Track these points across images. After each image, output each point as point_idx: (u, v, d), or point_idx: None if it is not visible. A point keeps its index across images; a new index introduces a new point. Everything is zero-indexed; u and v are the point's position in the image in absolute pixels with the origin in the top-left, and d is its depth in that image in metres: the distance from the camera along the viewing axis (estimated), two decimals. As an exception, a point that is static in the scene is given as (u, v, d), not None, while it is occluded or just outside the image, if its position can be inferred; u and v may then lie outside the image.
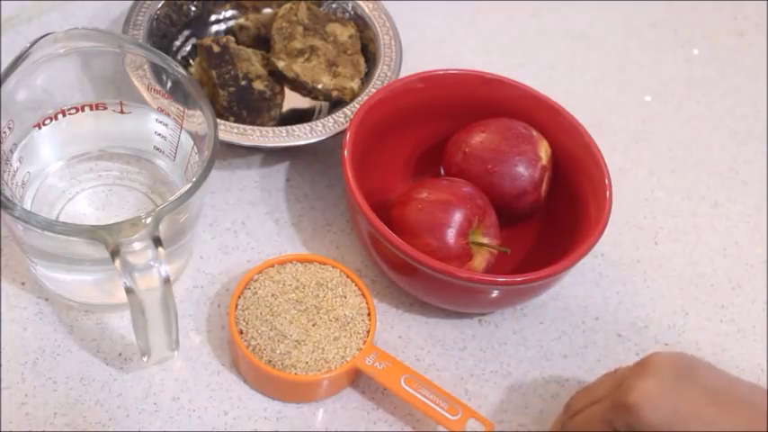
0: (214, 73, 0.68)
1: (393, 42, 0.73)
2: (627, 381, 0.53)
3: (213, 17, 0.76)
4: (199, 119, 0.59)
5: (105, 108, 0.63)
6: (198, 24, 0.75)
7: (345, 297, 0.61)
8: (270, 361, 0.58)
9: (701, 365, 0.54)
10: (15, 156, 0.61)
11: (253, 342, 0.59)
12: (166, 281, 0.52)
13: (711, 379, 0.53)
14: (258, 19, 0.75)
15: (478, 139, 0.66)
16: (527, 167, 0.65)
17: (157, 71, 0.62)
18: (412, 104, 0.69)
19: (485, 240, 0.63)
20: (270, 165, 0.72)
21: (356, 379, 0.61)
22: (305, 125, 0.67)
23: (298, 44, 0.70)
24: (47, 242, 0.56)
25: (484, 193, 0.64)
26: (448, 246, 0.61)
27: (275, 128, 0.67)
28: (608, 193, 0.64)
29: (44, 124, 0.62)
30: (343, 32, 0.73)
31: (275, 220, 0.69)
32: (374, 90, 0.69)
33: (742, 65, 0.86)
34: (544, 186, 0.66)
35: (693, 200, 0.75)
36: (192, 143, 0.61)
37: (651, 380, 0.52)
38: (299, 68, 0.70)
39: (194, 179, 0.55)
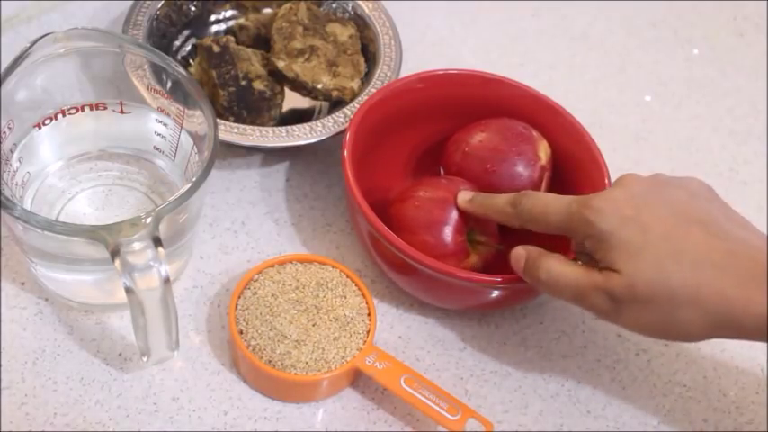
0: (214, 73, 0.68)
1: (393, 42, 0.73)
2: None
3: (213, 17, 0.76)
4: (199, 119, 0.59)
5: (105, 108, 0.63)
6: (198, 24, 0.75)
7: (345, 297, 0.61)
8: (270, 361, 0.58)
9: (679, 186, 0.55)
10: (15, 156, 0.61)
11: (253, 342, 0.59)
12: (166, 281, 0.52)
13: (682, 201, 0.54)
14: (258, 19, 0.75)
15: (478, 138, 0.66)
16: (526, 167, 0.65)
17: (157, 71, 0.62)
18: (412, 104, 0.69)
19: (482, 239, 0.63)
20: (270, 165, 0.72)
21: (356, 379, 0.61)
22: (305, 125, 0.67)
23: (298, 44, 0.70)
24: (47, 242, 0.56)
25: (483, 192, 0.64)
26: (444, 243, 0.61)
27: (275, 128, 0.67)
28: (608, 193, 0.64)
29: (44, 124, 0.62)
30: (343, 32, 0.73)
31: (275, 220, 0.69)
32: (374, 90, 0.69)
33: (742, 65, 0.86)
34: (544, 186, 0.66)
35: (693, 200, 0.75)
36: (192, 143, 0.61)
37: (618, 190, 0.55)
38: (299, 68, 0.70)
39: (194, 179, 0.55)
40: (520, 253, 0.58)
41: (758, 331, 0.50)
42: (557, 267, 0.56)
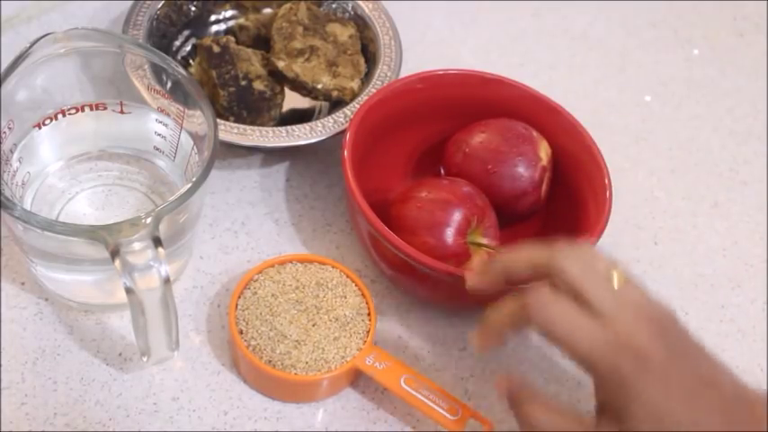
0: (214, 73, 0.68)
1: (393, 42, 0.73)
2: None
3: (213, 17, 0.76)
4: (199, 119, 0.59)
5: (105, 108, 0.63)
6: (198, 24, 0.75)
7: (345, 297, 0.61)
8: (270, 361, 0.58)
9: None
10: (15, 156, 0.61)
11: (253, 342, 0.59)
12: (166, 281, 0.52)
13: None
14: (258, 19, 0.75)
15: (478, 139, 0.66)
16: (527, 168, 0.65)
17: (157, 71, 0.62)
18: (412, 104, 0.69)
19: (483, 240, 0.63)
20: (270, 165, 0.72)
21: (356, 379, 0.61)
22: (305, 125, 0.67)
23: (298, 44, 0.70)
24: (47, 242, 0.56)
25: (484, 193, 0.64)
26: (446, 245, 0.61)
27: (275, 128, 0.67)
28: (608, 193, 0.64)
29: (44, 124, 0.62)
30: (343, 32, 0.73)
31: (275, 220, 0.69)
32: (374, 90, 0.69)
33: (742, 65, 0.86)
34: (544, 187, 0.66)
35: (693, 200, 0.75)
36: (192, 143, 0.61)
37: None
38: (299, 68, 0.70)
39: (194, 179, 0.55)
40: (503, 388, 0.54)
41: None
42: (545, 418, 0.52)
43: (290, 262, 0.63)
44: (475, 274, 0.56)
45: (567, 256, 0.51)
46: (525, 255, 0.53)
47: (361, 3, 0.75)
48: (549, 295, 0.51)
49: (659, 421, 0.49)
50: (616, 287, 0.51)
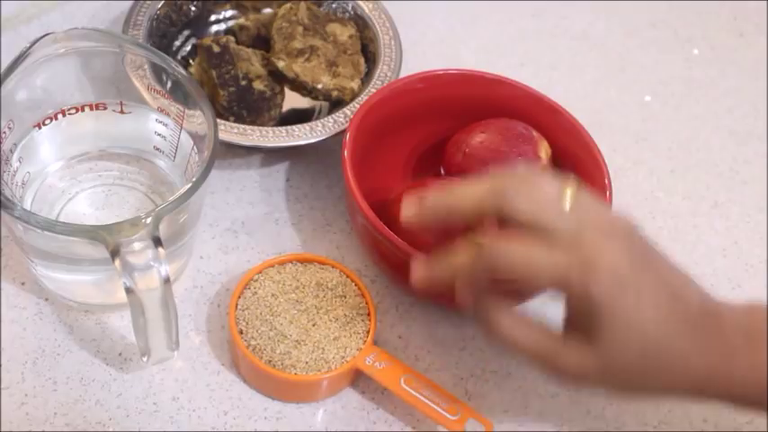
0: (214, 73, 0.68)
1: (393, 42, 0.73)
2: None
3: (213, 17, 0.76)
4: (199, 119, 0.59)
5: (105, 108, 0.63)
6: (198, 24, 0.75)
7: (345, 297, 0.61)
8: (270, 361, 0.58)
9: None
10: (15, 156, 0.61)
11: (253, 342, 0.59)
12: (166, 281, 0.52)
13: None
14: (258, 19, 0.75)
15: (479, 139, 0.66)
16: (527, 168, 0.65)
17: (157, 71, 0.62)
18: (412, 104, 0.69)
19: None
20: (270, 165, 0.72)
21: (356, 379, 0.61)
22: (305, 125, 0.67)
23: (298, 44, 0.70)
24: (47, 242, 0.56)
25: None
26: (446, 244, 0.61)
27: (275, 128, 0.67)
28: (608, 193, 0.64)
29: (44, 124, 0.62)
30: (343, 32, 0.73)
31: (275, 220, 0.69)
32: (374, 90, 0.69)
33: (742, 65, 0.86)
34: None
35: (693, 200, 0.75)
36: (192, 143, 0.61)
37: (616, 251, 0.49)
38: (299, 68, 0.70)
39: (194, 179, 0.55)
40: (464, 295, 0.52)
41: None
42: (511, 328, 0.51)
43: (290, 262, 0.63)
44: (413, 207, 0.53)
45: (515, 196, 0.49)
46: (470, 194, 0.51)
47: (361, 3, 0.75)
48: (502, 236, 0.50)
49: (629, 336, 0.49)
50: (568, 208, 0.49)
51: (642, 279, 0.49)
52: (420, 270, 0.54)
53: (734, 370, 0.50)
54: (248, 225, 0.68)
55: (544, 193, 0.50)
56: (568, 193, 0.50)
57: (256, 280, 0.61)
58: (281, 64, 0.70)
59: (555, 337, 0.52)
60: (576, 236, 0.49)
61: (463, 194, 0.52)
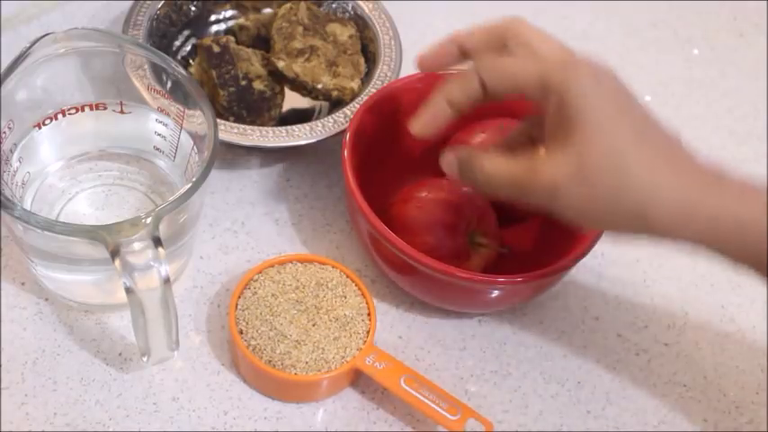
0: (214, 73, 0.68)
1: (393, 42, 0.73)
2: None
3: (213, 17, 0.76)
4: (199, 119, 0.59)
5: (105, 108, 0.63)
6: (198, 24, 0.75)
7: (345, 297, 0.61)
8: (270, 361, 0.58)
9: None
10: (15, 156, 0.61)
11: (253, 342, 0.59)
12: (166, 281, 0.52)
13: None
14: (258, 19, 0.75)
15: (478, 139, 0.66)
16: (527, 167, 0.65)
17: (157, 71, 0.62)
18: (412, 104, 0.68)
19: (483, 240, 0.63)
20: (270, 165, 0.72)
21: (356, 379, 0.61)
22: (305, 125, 0.67)
23: (298, 44, 0.70)
24: (47, 242, 0.56)
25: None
26: (446, 245, 0.61)
27: (275, 128, 0.67)
28: (608, 193, 0.64)
29: (44, 124, 0.62)
30: (343, 32, 0.73)
31: (275, 220, 0.69)
32: (374, 90, 0.69)
33: (742, 65, 0.86)
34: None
35: (693, 200, 0.75)
36: (192, 143, 0.61)
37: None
38: (299, 68, 0.70)
39: (194, 179, 0.55)
40: (450, 158, 0.56)
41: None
42: (490, 164, 0.53)
43: (290, 262, 0.63)
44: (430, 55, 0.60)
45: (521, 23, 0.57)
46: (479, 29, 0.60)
47: (361, 3, 0.75)
48: (496, 54, 0.56)
49: (600, 139, 0.50)
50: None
51: (622, 100, 0.52)
52: (417, 116, 0.57)
53: (704, 208, 0.50)
54: (248, 225, 0.68)
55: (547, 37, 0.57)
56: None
57: (256, 280, 0.61)
58: (281, 64, 0.70)
59: (531, 157, 0.53)
60: (565, 54, 0.55)
61: (472, 30, 0.60)
